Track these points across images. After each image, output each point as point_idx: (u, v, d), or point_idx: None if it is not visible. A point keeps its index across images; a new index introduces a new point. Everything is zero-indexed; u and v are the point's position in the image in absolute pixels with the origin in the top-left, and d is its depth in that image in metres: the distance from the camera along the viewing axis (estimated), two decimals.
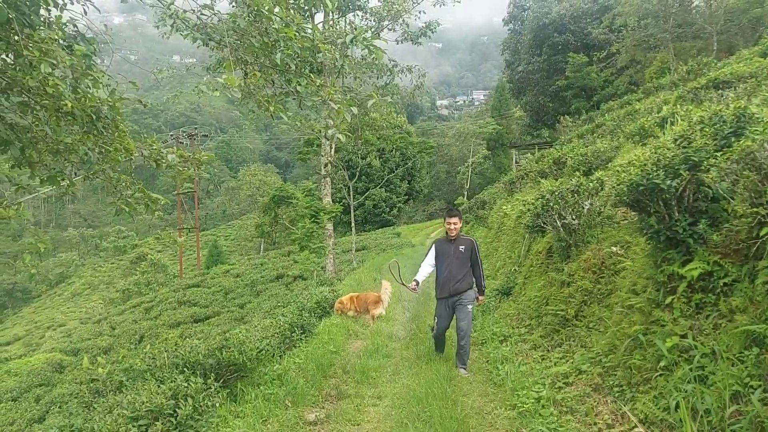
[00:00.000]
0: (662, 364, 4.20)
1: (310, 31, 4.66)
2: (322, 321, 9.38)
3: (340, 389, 6.08)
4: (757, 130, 4.14)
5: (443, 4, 20.86)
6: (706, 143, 4.50)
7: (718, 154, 4.25)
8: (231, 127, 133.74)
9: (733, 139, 4.49)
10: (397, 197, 56.55)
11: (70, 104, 4.92)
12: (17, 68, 4.72)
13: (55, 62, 4.26)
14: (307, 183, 37.39)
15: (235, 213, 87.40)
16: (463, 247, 6.77)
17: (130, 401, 4.26)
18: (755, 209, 3.87)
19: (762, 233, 3.80)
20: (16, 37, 4.71)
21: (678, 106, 10.16)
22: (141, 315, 32.81)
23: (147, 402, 4.19)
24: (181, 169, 7.09)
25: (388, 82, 21.72)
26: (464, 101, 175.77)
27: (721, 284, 4.13)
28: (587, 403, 4.88)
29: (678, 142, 4.71)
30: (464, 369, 6.57)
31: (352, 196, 29.67)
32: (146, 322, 28.95)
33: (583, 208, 7.41)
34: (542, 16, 45.81)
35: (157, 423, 4.04)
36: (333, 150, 21.27)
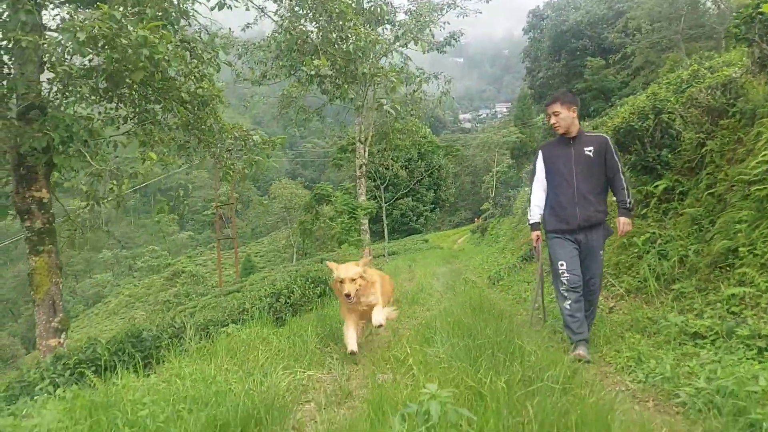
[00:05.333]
0: (636, 251, 5.81)
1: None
2: None
3: (400, 304, 7.79)
4: (700, 81, 5.77)
5: (465, 15, 22.61)
6: (667, 95, 6.15)
7: (673, 98, 5.90)
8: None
9: (688, 89, 6.12)
10: (423, 206, 58.21)
11: (201, 93, 6.83)
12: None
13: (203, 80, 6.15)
14: (344, 184, 39.26)
15: (263, 231, 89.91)
16: (590, 148, 4.40)
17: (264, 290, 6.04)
18: (698, 135, 5.52)
19: (702, 150, 5.44)
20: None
21: None
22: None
23: (272, 289, 5.96)
24: (263, 147, 8.86)
25: (416, 89, 23.47)
26: (487, 114, 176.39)
27: (678, 193, 5.75)
28: None
29: (648, 97, 6.34)
30: (584, 348, 4.13)
31: (383, 200, 31.50)
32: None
33: None
34: (560, 23, 47.57)
35: (280, 299, 5.80)
36: (366, 153, 23.06)
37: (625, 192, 4.42)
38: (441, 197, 61.46)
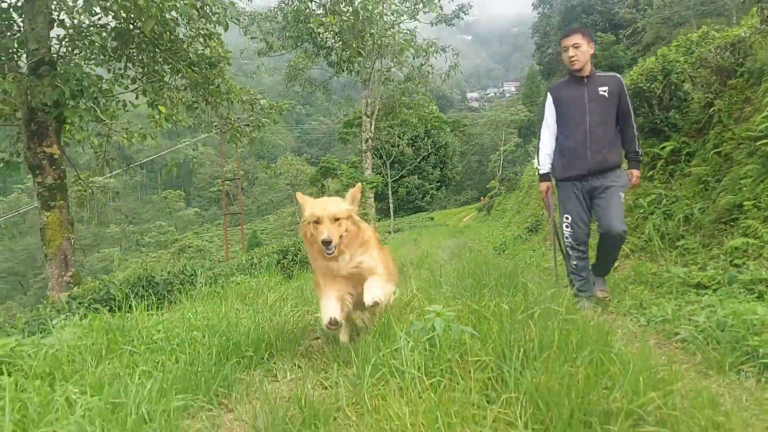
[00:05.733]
0: (642, 212, 5.84)
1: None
2: None
3: (405, 268, 7.87)
4: (709, 41, 5.73)
5: None
6: (677, 56, 6.11)
7: (682, 59, 5.88)
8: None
9: (697, 50, 6.09)
10: (429, 184, 58.11)
11: (209, 54, 6.84)
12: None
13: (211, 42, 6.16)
14: (350, 158, 39.38)
15: (268, 209, 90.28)
16: (605, 88, 4.10)
17: (272, 249, 6.14)
18: (706, 95, 5.51)
19: (710, 110, 5.44)
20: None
21: None
22: None
23: (279, 247, 6.04)
24: (269, 111, 8.90)
25: (423, 62, 23.28)
26: (495, 93, 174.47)
27: (685, 154, 5.75)
28: None
29: (658, 59, 6.31)
30: (603, 287, 4.31)
31: (389, 177, 31.51)
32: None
33: None
34: None
35: (287, 256, 5.88)
36: (373, 126, 23.01)
37: (636, 141, 4.20)
38: (447, 176, 61.28)
